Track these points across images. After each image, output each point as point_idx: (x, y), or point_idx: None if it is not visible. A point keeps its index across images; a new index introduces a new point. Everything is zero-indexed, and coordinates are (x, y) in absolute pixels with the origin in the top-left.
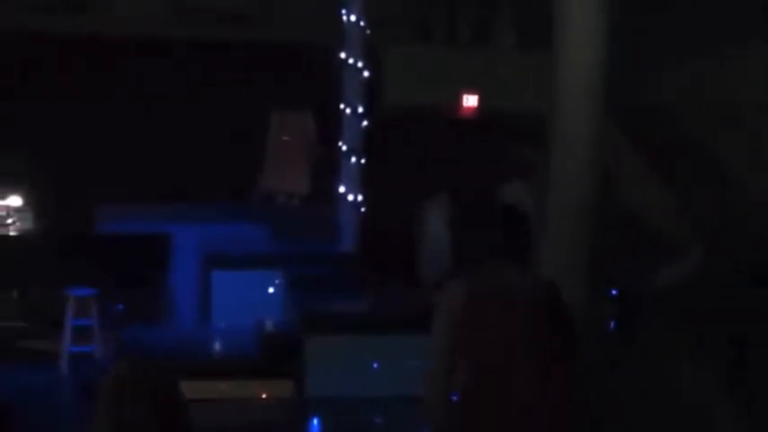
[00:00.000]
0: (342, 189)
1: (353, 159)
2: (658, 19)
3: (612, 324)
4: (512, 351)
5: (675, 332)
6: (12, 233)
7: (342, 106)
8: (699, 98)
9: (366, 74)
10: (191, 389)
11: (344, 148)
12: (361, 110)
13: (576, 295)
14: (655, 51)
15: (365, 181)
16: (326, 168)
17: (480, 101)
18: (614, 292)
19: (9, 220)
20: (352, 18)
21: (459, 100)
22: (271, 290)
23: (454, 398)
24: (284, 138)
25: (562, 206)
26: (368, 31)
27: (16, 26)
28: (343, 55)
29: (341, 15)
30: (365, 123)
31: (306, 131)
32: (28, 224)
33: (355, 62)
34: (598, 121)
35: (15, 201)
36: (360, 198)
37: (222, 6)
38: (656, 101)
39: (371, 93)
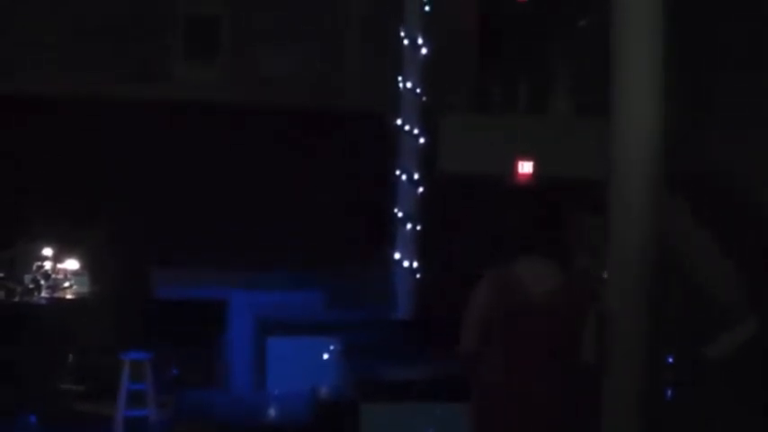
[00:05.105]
0: (397, 256)
1: (409, 226)
2: (720, 83)
3: (669, 392)
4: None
5: (733, 401)
6: (68, 296)
7: (397, 172)
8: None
9: (422, 140)
10: None
11: (400, 214)
12: (416, 176)
13: (633, 362)
14: (716, 119)
15: (421, 247)
16: (382, 235)
17: (536, 168)
18: (670, 359)
19: (66, 284)
20: (408, 85)
21: (515, 167)
22: (326, 357)
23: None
24: None
25: (620, 274)
26: (424, 98)
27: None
28: (399, 121)
29: (397, 82)
30: (421, 190)
31: None
32: (84, 288)
33: (411, 129)
34: (657, 189)
35: (72, 264)
36: (415, 265)
37: (279, 74)
38: (716, 168)
39: (427, 159)
